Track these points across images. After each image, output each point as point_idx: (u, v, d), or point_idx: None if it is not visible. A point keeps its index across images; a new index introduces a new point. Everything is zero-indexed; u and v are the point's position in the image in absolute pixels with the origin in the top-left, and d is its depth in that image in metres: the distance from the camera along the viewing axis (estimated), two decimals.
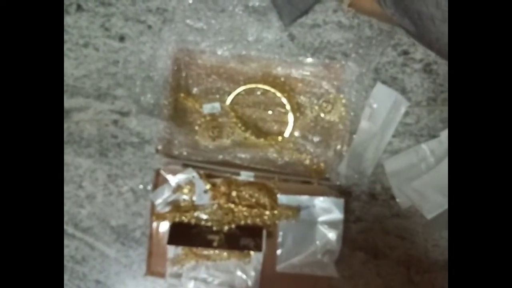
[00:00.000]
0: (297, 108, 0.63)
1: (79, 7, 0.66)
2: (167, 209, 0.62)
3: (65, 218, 0.67)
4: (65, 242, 0.67)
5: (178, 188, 0.62)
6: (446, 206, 0.60)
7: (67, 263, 0.68)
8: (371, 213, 0.65)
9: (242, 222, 0.61)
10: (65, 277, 0.68)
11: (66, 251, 0.68)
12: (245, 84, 0.63)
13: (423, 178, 0.62)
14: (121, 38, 0.66)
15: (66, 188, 0.67)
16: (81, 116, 0.67)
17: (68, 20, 0.66)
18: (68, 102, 0.67)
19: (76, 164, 0.67)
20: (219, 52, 0.63)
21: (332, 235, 0.60)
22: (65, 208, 0.67)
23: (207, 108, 0.63)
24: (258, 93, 0.63)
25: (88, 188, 0.67)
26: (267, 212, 0.61)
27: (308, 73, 0.62)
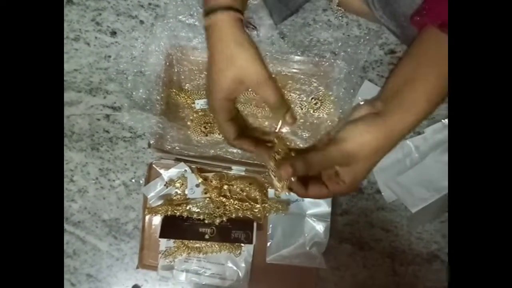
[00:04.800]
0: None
1: (69, 0, 0.66)
2: (159, 202, 0.63)
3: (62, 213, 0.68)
4: None
5: (170, 182, 0.63)
6: (430, 200, 0.63)
7: None
8: (357, 207, 0.67)
9: (233, 215, 0.62)
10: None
11: None
12: None
13: (407, 173, 0.64)
14: (113, 33, 0.66)
15: None
16: (73, 110, 0.67)
17: (63, 14, 0.66)
18: None
19: (67, 158, 0.67)
20: None
21: (320, 227, 0.62)
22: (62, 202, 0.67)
23: (199, 103, 0.64)
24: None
25: (80, 182, 0.67)
26: (258, 206, 0.62)
27: (298, 71, 0.63)
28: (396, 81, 0.44)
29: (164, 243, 0.63)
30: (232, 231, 0.62)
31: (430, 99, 0.41)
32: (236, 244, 0.62)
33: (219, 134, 0.64)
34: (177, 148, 0.62)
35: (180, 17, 0.63)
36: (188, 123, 0.65)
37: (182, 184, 0.63)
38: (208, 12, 0.45)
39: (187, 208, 0.62)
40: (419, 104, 0.41)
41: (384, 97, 0.43)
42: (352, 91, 0.63)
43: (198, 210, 0.63)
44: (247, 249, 0.63)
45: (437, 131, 0.64)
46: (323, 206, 0.63)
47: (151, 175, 0.64)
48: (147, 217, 0.64)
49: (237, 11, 0.45)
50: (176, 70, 0.64)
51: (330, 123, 0.64)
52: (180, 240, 0.63)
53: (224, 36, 0.45)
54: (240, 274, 0.62)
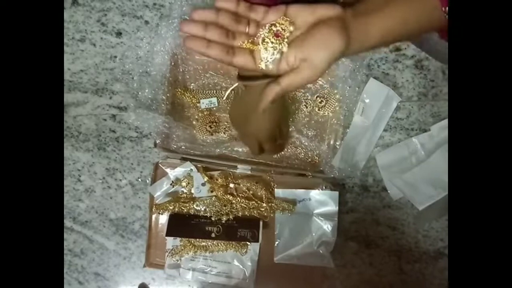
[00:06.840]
0: (293, 103, 0.65)
1: (74, 1, 0.66)
2: (165, 201, 0.64)
3: (64, 212, 0.68)
4: (64, 235, 0.68)
5: (177, 181, 0.64)
6: (437, 198, 0.62)
7: (66, 256, 0.68)
8: (363, 205, 0.67)
9: (240, 214, 0.63)
10: (64, 270, 0.69)
11: (64, 244, 0.68)
12: None
13: (413, 171, 0.64)
14: (118, 34, 0.66)
15: (64, 182, 0.68)
16: (79, 110, 0.67)
17: (64, 14, 0.66)
18: (65, 97, 0.67)
19: (74, 158, 0.67)
20: None
21: (327, 226, 0.62)
22: (64, 202, 0.68)
23: (204, 103, 0.64)
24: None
25: (87, 182, 0.68)
26: (264, 204, 0.62)
27: None
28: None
29: (170, 242, 0.63)
30: (238, 229, 0.62)
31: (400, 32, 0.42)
32: (242, 242, 0.63)
33: (224, 133, 0.65)
34: (183, 147, 0.62)
35: (185, 17, 0.63)
36: (194, 122, 0.65)
37: (188, 183, 0.64)
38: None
39: (193, 206, 0.63)
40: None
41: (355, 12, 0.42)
42: (357, 88, 0.63)
43: (205, 208, 0.63)
44: (253, 248, 0.63)
45: (443, 129, 0.64)
46: (330, 205, 0.63)
47: (157, 175, 0.65)
48: (153, 216, 0.65)
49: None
50: (181, 69, 0.65)
51: (335, 121, 0.64)
52: (187, 238, 0.63)
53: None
54: (246, 273, 0.63)
